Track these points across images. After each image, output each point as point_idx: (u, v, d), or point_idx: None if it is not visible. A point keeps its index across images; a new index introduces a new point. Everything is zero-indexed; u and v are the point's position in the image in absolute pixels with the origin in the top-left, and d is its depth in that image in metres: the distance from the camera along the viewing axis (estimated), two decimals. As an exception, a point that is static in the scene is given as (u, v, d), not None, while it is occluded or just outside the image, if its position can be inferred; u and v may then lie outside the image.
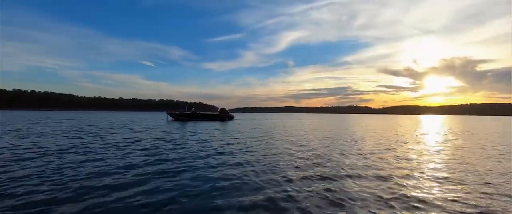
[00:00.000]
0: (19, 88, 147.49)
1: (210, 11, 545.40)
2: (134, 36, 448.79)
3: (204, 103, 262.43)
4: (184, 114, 31.02)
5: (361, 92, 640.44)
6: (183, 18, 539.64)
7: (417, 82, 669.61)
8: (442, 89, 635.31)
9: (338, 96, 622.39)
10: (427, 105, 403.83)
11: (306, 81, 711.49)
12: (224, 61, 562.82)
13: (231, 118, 34.03)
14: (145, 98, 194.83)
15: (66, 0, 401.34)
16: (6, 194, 3.65)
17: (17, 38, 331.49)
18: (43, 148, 7.72)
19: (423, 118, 71.29)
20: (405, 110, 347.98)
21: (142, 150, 7.74)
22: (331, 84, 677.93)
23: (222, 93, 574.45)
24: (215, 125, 21.71)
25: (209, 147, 8.48)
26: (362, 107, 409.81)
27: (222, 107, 34.99)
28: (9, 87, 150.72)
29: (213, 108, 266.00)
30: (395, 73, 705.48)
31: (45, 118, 30.20)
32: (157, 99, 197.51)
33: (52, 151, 7.21)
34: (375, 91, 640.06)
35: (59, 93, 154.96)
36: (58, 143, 8.90)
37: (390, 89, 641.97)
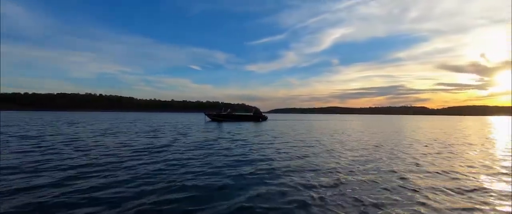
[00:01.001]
0: (89, 92, 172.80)
1: (252, 14, 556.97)
2: (184, 43, 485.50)
3: (247, 104, 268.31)
4: (220, 114, 32.37)
5: (417, 91, 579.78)
6: (227, 23, 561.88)
7: (486, 79, 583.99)
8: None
9: (389, 96, 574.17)
10: (499, 105, 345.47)
11: (352, 80, 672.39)
12: (265, 63, 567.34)
13: (265, 118, 34.50)
14: (194, 101, 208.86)
15: (126, 13, 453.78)
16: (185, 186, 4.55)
17: (88, 49, 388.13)
18: (143, 146, 9.08)
19: (494, 120, 61.77)
20: (471, 110, 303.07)
21: (226, 149, 8.48)
22: (381, 83, 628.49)
23: (263, 95, 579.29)
24: (249, 125, 22.64)
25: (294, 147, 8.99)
26: (418, 107, 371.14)
27: (256, 108, 35.99)
28: (82, 92, 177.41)
29: (256, 108, 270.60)
30: (457, 69, 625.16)
31: (116, 118, 35.08)
32: (204, 101, 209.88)
33: (153, 148, 8.43)
34: (433, 90, 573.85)
35: (121, 96, 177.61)
36: (148, 141, 10.39)
37: (451, 88, 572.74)
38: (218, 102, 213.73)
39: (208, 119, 33.66)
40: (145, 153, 7.30)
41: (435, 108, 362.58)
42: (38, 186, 4.03)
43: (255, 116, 33.36)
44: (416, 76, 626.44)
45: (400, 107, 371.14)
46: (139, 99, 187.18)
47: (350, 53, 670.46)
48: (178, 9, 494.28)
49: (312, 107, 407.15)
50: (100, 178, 4.57)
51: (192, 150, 8.01)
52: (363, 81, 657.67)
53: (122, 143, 9.33)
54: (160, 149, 7.98)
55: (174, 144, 9.38)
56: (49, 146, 8.41)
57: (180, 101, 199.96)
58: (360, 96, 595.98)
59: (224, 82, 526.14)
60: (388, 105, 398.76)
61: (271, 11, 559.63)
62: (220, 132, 14.76)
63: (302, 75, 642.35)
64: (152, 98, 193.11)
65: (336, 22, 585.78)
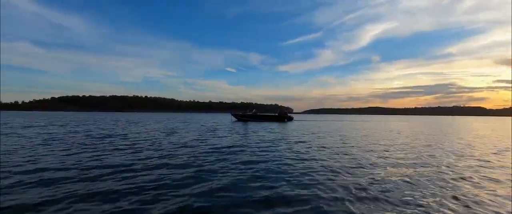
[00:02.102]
0: (137, 94, 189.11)
1: (286, 14, 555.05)
2: (221, 46, 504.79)
3: (280, 105, 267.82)
4: (246, 115, 32.88)
5: (471, 89, 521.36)
6: (261, 24, 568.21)
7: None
8: None
9: (438, 95, 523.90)
10: None
11: (394, 78, 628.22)
12: (299, 63, 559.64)
13: (291, 119, 34.06)
14: (229, 102, 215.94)
15: (168, 20, 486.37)
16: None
17: (135, 55, 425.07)
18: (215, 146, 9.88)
19: None
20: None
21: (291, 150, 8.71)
22: (428, 81, 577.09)
23: (297, 95, 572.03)
24: (273, 125, 22.65)
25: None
26: (473, 107, 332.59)
27: (282, 108, 35.56)
28: (130, 94, 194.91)
29: (288, 109, 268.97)
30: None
31: (168, 119, 38.01)
32: (239, 102, 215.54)
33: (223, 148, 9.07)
34: (490, 88, 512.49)
35: (164, 98, 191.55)
36: (216, 142, 11.18)
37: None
38: (251, 103, 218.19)
39: (234, 119, 34.54)
40: (229, 151, 7.99)
41: (493, 108, 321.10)
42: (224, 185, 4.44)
43: (280, 116, 33.29)
44: (470, 73, 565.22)
45: (452, 107, 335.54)
46: (180, 100, 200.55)
47: (392, 49, 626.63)
48: (215, 14, 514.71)
49: (351, 107, 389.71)
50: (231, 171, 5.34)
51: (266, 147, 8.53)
52: (406, 80, 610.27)
53: (199, 140, 10.42)
54: (239, 148, 8.59)
55: (246, 143, 9.98)
56: (149, 145, 9.40)
57: (217, 102, 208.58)
58: (403, 96, 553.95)
59: (257, 83, 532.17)
60: (437, 106, 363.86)
61: (305, 10, 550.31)
62: (285, 133, 15.16)
63: (338, 74, 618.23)
64: (192, 100, 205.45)
65: (375, 17, 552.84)
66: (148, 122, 27.50)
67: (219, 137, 12.52)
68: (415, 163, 6.52)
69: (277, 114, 34.04)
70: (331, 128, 20.80)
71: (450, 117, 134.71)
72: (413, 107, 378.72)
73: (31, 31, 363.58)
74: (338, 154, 7.72)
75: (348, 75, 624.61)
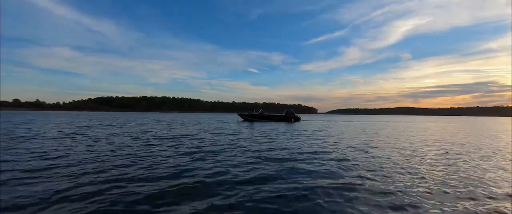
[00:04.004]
0: (164, 95, 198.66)
1: (309, 13, 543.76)
2: (243, 47, 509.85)
3: (303, 105, 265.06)
4: (252, 115, 33.21)
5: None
6: (284, 24, 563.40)
7: None
8: None
9: (477, 94, 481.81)
10: None
11: (427, 76, 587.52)
12: (323, 61, 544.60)
13: (298, 119, 34.01)
14: (252, 102, 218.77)
15: (193, 23, 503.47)
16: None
17: (163, 58, 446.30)
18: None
19: None
20: None
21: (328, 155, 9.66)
22: (465, 79, 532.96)
23: (320, 95, 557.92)
24: (279, 126, 23.00)
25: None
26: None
27: (288, 109, 35.63)
28: (159, 95, 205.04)
29: (311, 109, 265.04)
30: None
31: (197, 118, 40.12)
32: (261, 103, 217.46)
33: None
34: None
35: (190, 99, 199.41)
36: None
37: None
38: (273, 103, 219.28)
39: (240, 118, 34.93)
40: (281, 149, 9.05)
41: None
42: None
43: (287, 116, 33.47)
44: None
45: (492, 107, 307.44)
46: (205, 101, 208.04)
47: (424, 46, 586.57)
48: (237, 15, 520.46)
49: (379, 107, 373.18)
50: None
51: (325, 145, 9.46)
52: (440, 78, 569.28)
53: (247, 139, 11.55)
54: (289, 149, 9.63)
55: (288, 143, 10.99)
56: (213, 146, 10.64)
57: (240, 102, 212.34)
58: (437, 95, 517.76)
59: (280, 83, 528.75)
60: (476, 105, 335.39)
61: (329, 7, 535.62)
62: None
63: (365, 73, 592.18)
64: (216, 101, 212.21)
65: (405, 12, 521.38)
66: (186, 121, 29.42)
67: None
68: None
69: (284, 114, 34.25)
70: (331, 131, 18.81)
71: (492, 117, 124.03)
72: (448, 106, 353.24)
73: (70, 37, 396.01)
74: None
75: (376, 74, 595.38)
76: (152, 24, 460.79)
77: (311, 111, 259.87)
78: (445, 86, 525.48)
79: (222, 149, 8.66)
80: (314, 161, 6.89)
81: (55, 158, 6.72)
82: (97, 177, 4.95)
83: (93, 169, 5.60)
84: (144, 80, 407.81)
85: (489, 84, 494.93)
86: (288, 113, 34.21)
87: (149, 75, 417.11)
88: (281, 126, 22.75)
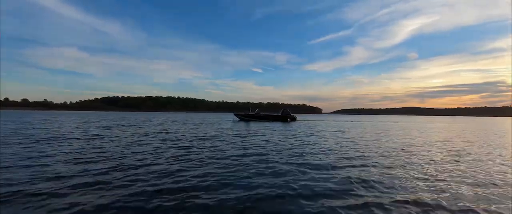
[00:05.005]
0: (170, 95, 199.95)
1: (313, 12, 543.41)
2: (247, 47, 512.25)
3: (307, 105, 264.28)
4: (248, 115, 33.34)
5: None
6: (288, 24, 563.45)
7: None
8: None
9: (485, 94, 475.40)
10: None
11: (434, 76, 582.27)
12: (328, 61, 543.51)
13: (294, 119, 34.27)
14: (256, 102, 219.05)
15: (197, 23, 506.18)
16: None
17: (168, 58, 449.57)
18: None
19: None
20: None
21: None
22: (473, 78, 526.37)
23: (325, 95, 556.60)
24: (274, 125, 23.11)
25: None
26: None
27: (284, 109, 35.62)
28: (164, 95, 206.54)
29: (315, 109, 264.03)
30: None
31: (205, 118, 40.17)
32: (265, 102, 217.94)
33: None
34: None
35: (195, 99, 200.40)
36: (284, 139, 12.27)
37: None
38: (278, 102, 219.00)
39: (236, 118, 35.06)
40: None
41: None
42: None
43: (283, 116, 33.52)
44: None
45: (501, 107, 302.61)
46: (210, 101, 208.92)
47: (431, 45, 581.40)
48: (242, 15, 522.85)
49: (385, 108, 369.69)
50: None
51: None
52: (448, 77, 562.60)
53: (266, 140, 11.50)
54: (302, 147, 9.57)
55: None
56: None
57: (244, 102, 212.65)
58: (444, 95, 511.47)
59: (284, 83, 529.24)
60: (484, 106, 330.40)
61: (334, 7, 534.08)
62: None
63: (371, 72, 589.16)
64: (221, 101, 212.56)
65: (411, 11, 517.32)
66: (196, 120, 29.50)
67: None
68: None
69: (280, 114, 34.32)
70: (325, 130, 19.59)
71: (500, 118, 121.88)
72: (456, 106, 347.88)
73: (77, 37, 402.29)
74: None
75: (382, 73, 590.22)
76: (157, 24, 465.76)
77: (315, 111, 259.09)
78: (453, 86, 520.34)
79: (266, 150, 8.59)
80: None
81: (114, 159, 6.70)
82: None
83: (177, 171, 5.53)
84: (149, 80, 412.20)
85: (497, 84, 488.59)
86: (284, 113, 34.35)
87: (154, 75, 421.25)
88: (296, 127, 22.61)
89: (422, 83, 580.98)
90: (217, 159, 6.99)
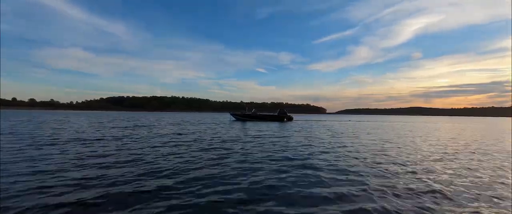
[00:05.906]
0: (174, 95, 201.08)
1: (318, 12, 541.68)
2: (251, 47, 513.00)
3: (311, 105, 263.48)
4: (245, 114, 33.27)
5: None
6: (292, 23, 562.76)
7: None
8: None
9: (492, 94, 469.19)
10: None
11: (439, 76, 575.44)
12: (332, 61, 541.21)
13: (290, 118, 34.28)
14: (260, 102, 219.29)
15: (200, 23, 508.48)
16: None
17: (172, 58, 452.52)
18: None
19: None
20: None
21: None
22: (480, 78, 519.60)
23: (329, 95, 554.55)
24: (271, 125, 23.12)
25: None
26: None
27: (281, 109, 35.68)
28: (168, 95, 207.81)
29: (319, 109, 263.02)
30: None
31: (212, 118, 40.25)
32: (269, 102, 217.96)
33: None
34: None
35: (199, 99, 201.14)
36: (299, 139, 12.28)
37: None
38: (281, 102, 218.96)
39: (233, 118, 35.07)
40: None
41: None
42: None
43: (280, 116, 33.52)
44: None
45: (508, 108, 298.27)
46: (213, 101, 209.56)
47: (436, 45, 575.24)
48: (246, 15, 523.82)
49: (389, 108, 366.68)
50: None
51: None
52: (453, 77, 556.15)
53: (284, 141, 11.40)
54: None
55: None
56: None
57: (248, 102, 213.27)
58: (450, 95, 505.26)
59: (288, 83, 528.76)
60: (491, 106, 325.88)
61: (338, 6, 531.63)
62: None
63: (375, 72, 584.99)
64: (225, 100, 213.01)
65: (416, 11, 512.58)
66: (208, 121, 29.54)
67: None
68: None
69: (276, 114, 34.31)
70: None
71: (509, 118, 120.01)
72: (462, 107, 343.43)
73: (82, 38, 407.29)
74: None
75: (386, 73, 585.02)
76: (161, 25, 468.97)
77: (320, 111, 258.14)
78: (459, 86, 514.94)
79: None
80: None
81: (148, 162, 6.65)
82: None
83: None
84: (154, 80, 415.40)
85: (504, 84, 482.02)
86: (281, 113, 34.33)
87: (159, 76, 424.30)
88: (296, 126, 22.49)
89: (428, 83, 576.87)
90: (269, 161, 6.85)
